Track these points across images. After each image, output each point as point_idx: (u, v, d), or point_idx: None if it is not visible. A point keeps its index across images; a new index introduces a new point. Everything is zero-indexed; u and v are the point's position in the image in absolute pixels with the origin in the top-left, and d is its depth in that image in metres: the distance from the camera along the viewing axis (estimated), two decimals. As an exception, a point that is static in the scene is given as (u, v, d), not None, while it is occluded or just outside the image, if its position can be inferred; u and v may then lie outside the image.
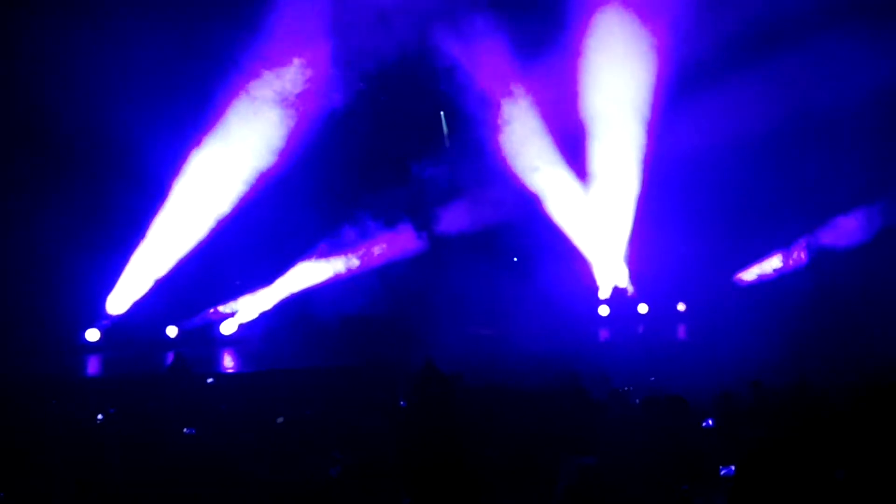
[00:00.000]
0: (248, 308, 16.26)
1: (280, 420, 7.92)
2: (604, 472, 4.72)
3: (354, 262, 16.33)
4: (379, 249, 16.39)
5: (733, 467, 5.76)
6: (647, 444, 6.36)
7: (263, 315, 16.31)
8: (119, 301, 15.27)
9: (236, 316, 16.23)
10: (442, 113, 16.77)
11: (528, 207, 16.45)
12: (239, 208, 15.22)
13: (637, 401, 8.45)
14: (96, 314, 15.29)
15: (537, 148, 16.22)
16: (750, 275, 16.99)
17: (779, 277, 16.71)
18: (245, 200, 15.21)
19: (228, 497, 5.37)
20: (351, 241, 16.32)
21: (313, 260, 16.27)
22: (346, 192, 15.60)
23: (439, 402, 5.09)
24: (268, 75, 14.80)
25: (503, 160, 16.12)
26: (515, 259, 17.22)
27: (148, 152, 14.42)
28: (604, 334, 16.90)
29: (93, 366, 14.57)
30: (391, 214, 16.38)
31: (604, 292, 17.00)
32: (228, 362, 15.34)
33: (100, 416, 9.47)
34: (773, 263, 16.84)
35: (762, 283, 16.78)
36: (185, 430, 8.04)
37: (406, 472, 4.76)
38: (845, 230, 16.36)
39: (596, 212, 16.64)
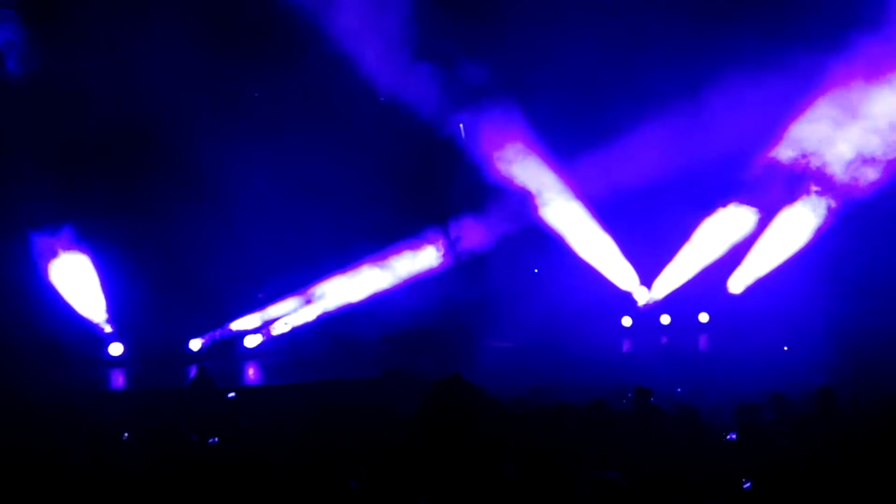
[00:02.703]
0: (272, 321, 16.34)
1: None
2: (625, 487, 4.68)
3: (381, 276, 16.40)
4: (405, 263, 16.44)
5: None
6: (669, 458, 6.32)
7: (289, 328, 16.42)
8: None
9: (260, 329, 16.32)
10: (462, 125, 16.78)
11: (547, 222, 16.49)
12: (267, 218, 15.25)
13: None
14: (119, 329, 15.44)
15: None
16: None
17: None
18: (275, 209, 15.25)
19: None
20: (377, 255, 16.39)
21: (338, 274, 16.34)
22: (370, 206, 15.57)
23: (458, 415, 5.09)
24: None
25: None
26: (536, 271, 17.20)
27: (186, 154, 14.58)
28: (627, 345, 16.84)
29: (116, 380, 14.67)
30: (419, 228, 16.43)
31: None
32: (252, 376, 15.39)
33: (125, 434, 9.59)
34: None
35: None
36: (208, 440, 8.11)
37: (424, 484, 4.77)
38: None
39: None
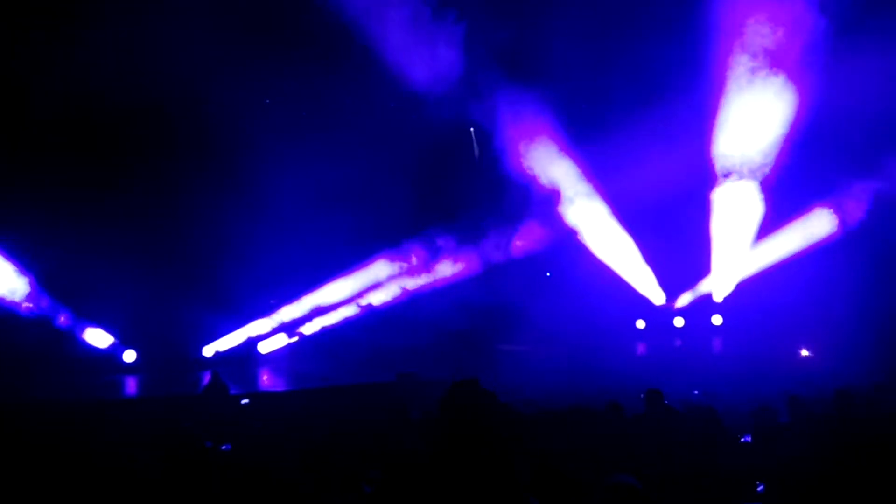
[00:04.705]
0: (285, 328, 16.39)
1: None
2: (639, 490, 4.64)
3: (399, 282, 16.43)
4: (427, 269, 16.48)
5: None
6: (683, 460, 6.28)
7: (301, 334, 16.45)
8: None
9: (274, 335, 16.36)
10: (472, 129, 16.75)
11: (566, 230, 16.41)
12: (284, 224, 15.25)
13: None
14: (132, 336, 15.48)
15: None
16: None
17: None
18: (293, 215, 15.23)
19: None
20: (396, 260, 16.42)
21: (355, 280, 16.39)
22: (390, 213, 15.55)
23: (474, 419, 5.06)
24: None
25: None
26: (548, 274, 17.17)
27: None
28: (641, 348, 16.79)
29: (130, 387, 14.74)
30: (440, 236, 16.44)
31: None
32: (265, 381, 15.44)
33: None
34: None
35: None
36: (221, 446, 8.12)
37: (437, 488, 4.74)
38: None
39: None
